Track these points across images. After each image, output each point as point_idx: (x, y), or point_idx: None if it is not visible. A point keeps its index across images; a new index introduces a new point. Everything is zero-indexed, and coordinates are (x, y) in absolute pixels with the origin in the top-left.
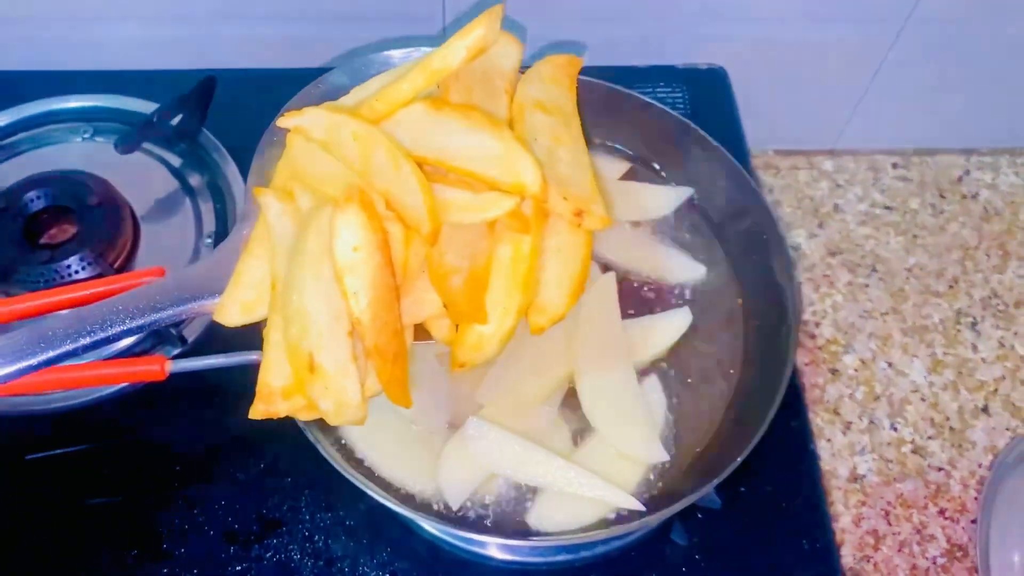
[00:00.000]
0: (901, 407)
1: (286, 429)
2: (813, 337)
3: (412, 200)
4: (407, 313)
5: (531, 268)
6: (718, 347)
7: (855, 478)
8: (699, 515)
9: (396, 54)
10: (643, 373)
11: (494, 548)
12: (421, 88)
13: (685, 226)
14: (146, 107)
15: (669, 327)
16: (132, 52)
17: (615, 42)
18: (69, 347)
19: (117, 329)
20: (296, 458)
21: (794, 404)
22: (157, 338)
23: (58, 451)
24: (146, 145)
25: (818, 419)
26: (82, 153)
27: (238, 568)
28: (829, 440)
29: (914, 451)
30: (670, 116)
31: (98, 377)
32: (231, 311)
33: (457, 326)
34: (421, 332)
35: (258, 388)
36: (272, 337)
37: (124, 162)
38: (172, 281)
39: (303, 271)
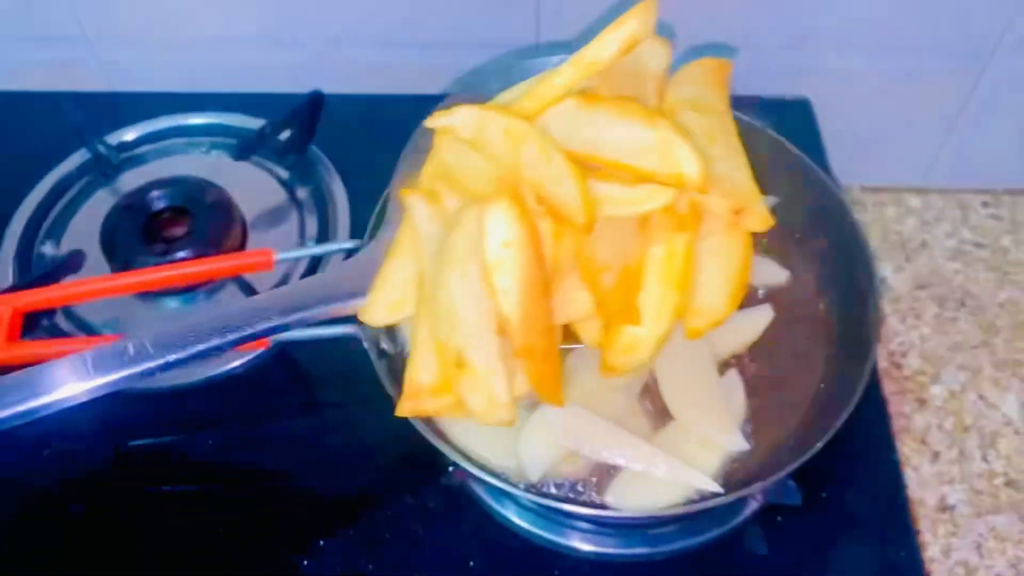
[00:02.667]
0: (993, 440)
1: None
2: (899, 367)
3: (565, 191)
4: (555, 314)
5: (686, 268)
6: (798, 347)
7: (944, 508)
8: (779, 518)
9: (535, 62)
10: (723, 367)
11: (575, 537)
12: (572, 83)
13: (768, 232)
14: (259, 125)
15: (750, 323)
16: (248, 75)
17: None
18: (216, 342)
19: (262, 326)
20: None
21: (877, 420)
22: None
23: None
24: (257, 158)
25: (904, 448)
26: (200, 164)
27: (320, 543)
28: (916, 469)
29: (1008, 484)
30: (758, 129)
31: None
32: (377, 311)
33: (607, 329)
34: (568, 336)
35: (405, 385)
36: (420, 336)
37: (236, 172)
38: (318, 281)
39: (451, 269)
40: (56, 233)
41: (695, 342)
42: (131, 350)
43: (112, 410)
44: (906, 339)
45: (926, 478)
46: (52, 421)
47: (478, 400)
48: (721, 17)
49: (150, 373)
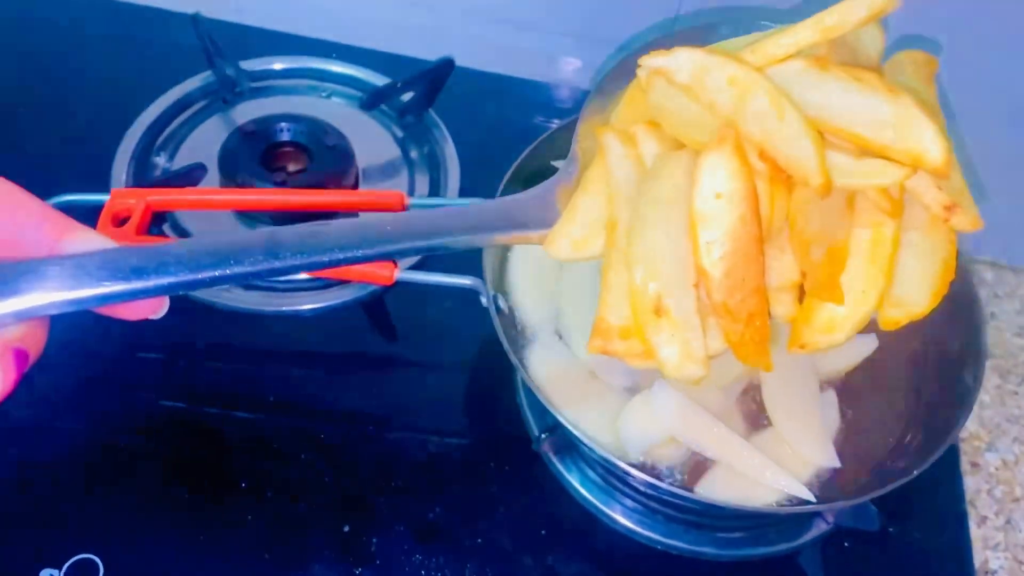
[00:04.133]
0: None
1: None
2: None
3: (801, 150)
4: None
5: (893, 254)
6: (895, 381)
7: (986, 572)
8: (846, 543)
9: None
10: (821, 388)
11: (646, 526)
12: (805, 45)
13: None
14: (384, 82)
15: (854, 349)
16: (377, 33)
17: None
18: (390, 247)
19: (441, 240)
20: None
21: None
22: None
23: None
24: (376, 113)
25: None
26: (319, 108)
27: (395, 484)
28: None
29: None
30: None
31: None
32: (562, 244)
33: (803, 304)
34: None
35: (595, 324)
36: (611, 278)
37: (355, 122)
38: (494, 206)
39: (654, 214)
40: (171, 147)
41: (802, 356)
42: (321, 236)
43: (194, 324)
44: None
45: (971, 540)
46: (137, 325)
47: (671, 351)
48: None
49: (335, 263)
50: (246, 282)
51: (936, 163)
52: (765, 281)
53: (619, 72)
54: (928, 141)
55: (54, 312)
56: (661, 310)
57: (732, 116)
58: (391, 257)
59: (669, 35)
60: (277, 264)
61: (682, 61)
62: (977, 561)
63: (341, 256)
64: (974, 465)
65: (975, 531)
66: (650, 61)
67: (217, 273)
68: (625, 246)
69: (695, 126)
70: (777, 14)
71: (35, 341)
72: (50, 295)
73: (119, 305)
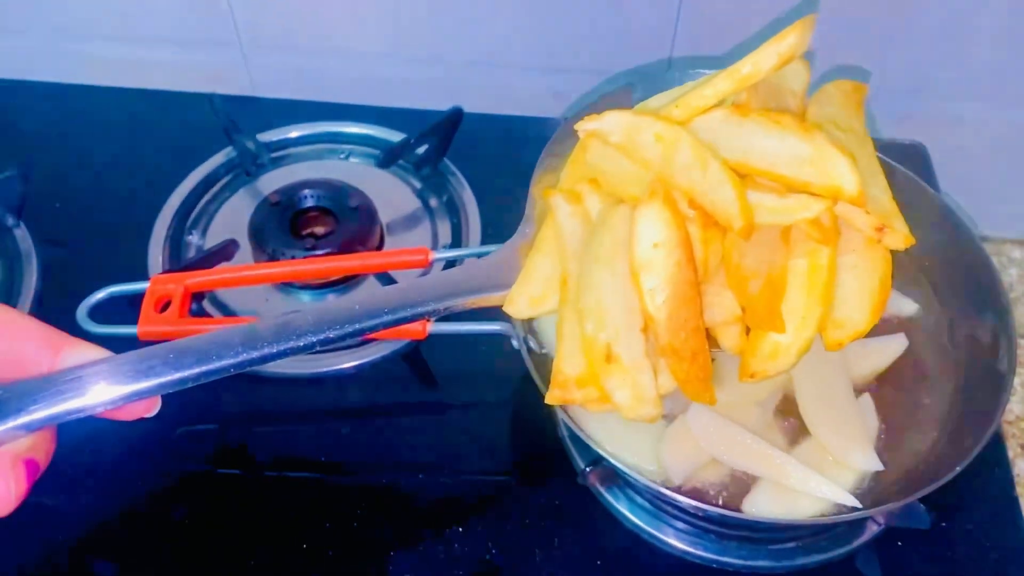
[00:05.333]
0: None
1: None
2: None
3: (723, 196)
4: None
5: (829, 280)
6: (927, 377)
7: None
8: (899, 543)
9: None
10: (856, 392)
11: (700, 547)
12: (726, 95)
13: (896, 266)
14: (396, 137)
15: (885, 350)
16: (387, 88)
17: None
18: (371, 323)
19: (418, 310)
20: (517, 437)
21: (997, 455)
22: None
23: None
24: (394, 168)
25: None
26: (340, 169)
27: (456, 529)
28: None
29: None
30: (887, 163)
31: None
32: (520, 303)
33: (749, 335)
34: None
35: (553, 376)
36: (565, 330)
37: (375, 180)
38: (467, 271)
39: (600, 267)
40: (202, 224)
41: (834, 364)
42: (294, 324)
43: (242, 393)
44: None
45: None
46: (186, 402)
47: (624, 395)
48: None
49: (310, 347)
50: (228, 374)
51: (852, 193)
52: (703, 320)
53: (564, 134)
54: (843, 174)
55: (59, 422)
56: (611, 357)
57: (662, 170)
58: (362, 333)
59: (602, 97)
60: (255, 355)
61: (613, 123)
62: None
63: (314, 339)
64: None
65: None
66: (585, 125)
67: (201, 369)
68: (574, 299)
69: (631, 182)
70: (706, 62)
71: (45, 451)
72: (53, 408)
73: (117, 409)
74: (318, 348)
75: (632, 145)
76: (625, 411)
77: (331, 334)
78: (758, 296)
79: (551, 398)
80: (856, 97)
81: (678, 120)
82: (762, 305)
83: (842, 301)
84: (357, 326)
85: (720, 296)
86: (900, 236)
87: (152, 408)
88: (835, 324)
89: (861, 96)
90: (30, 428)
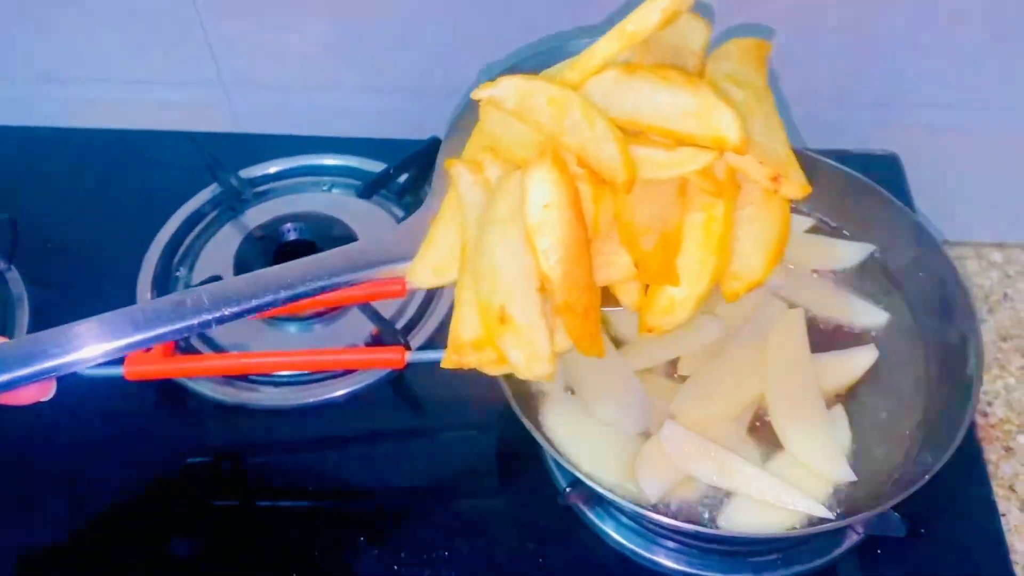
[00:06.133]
0: None
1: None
2: (985, 415)
3: (606, 151)
4: (596, 276)
5: (725, 232)
6: (897, 386)
7: None
8: (879, 551)
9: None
10: (828, 403)
11: (683, 562)
12: (613, 54)
13: (867, 278)
14: (376, 167)
15: (856, 361)
16: (366, 120)
17: (789, 125)
18: (269, 298)
19: (315, 284)
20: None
21: (972, 460)
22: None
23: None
24: (376, 198)
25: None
26: (321, 201)
27: (442, 554)
28: (1004, 515)
29: None
30: (856, 178)
31: (342, 362)
32: (422, 273)
33: (646, 291)
34: (608, 299)
35: (449, 340)
36: (463, 295)
37: (358, 211)
38: (365, 245)
39: (494, 231)
40: (189, 260)
41: (805, 376)
42: (189, 302)
43: (234, 426)
44: (991, 388)
45: (1015, 524)
46: (172, 432)
47: (518, 354)
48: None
49: (207, 325)
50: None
51: (735, 142)
52: (594, 277)
53: (469, 109)
54: (725, 124)
55: None
56: (505, 318)
57: (554, 132)
58: (290, 301)
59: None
60: (194, 321)
61: (507, 89)
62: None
63: (209, 317)
64: (1008, 450)
65: (1019, 515)
66: (480, 93)
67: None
68: (471, 265)
69: (525, 146)
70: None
71: None
72: None
73: (13, 392)
74: (214, 326)
75: (526, 110)
76: (520, 370)
77: (227, 311)
78: (652, 252)
79: (446, 362)
80: (757, 54)
81: (573, 83)
82: (656, 260)
83: (740, 253)
84: (284, 294)
85: (618, 255)
86: (796, 185)
87: (47, 391)
88: (732, 276)
89: (763, 53)
90: None
